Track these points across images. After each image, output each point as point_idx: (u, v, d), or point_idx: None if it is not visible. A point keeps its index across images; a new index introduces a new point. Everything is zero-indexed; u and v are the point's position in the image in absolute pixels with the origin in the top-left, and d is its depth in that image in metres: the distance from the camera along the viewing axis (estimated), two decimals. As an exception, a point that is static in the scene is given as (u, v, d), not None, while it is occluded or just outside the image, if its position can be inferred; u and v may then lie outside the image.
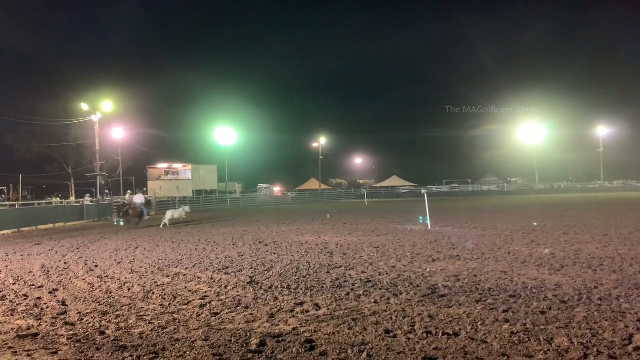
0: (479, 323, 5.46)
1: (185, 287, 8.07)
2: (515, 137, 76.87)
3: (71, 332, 5.60)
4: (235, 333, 5.37)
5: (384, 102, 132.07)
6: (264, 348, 4.86)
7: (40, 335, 5.52)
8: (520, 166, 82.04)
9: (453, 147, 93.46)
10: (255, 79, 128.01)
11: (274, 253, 12.07)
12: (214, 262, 10.88)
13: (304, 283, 8.11)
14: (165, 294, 7.55)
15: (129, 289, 8.05)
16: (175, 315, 6.26)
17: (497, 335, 5.02)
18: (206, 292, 7.67)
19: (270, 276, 8.87)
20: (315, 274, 8.92)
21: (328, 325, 5.58)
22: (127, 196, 35.16)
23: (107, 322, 5.99)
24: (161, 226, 22.87)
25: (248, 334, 5.31)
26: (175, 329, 5.64)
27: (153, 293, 7.68)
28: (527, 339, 4.87)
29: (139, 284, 8.45)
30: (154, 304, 6.96)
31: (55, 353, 4.88)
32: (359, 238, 15.03)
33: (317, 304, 6.59)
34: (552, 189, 67.81)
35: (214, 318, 6.10)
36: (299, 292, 7.42)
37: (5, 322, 6.16)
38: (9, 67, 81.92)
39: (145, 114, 66.59)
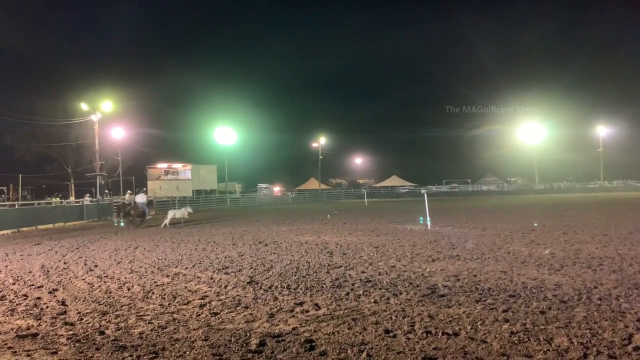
0: (479, 323, 5.46)
1: (185, 287, 8.07)
2: (515, 137, 76.93)
3: (71, 332, 5.59)
4: (235, 333, 5.37)
5: (383, 102, 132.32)
6: (263, 348, 4.86)
7: (39, 335, 5.52)
8: (520, 166, 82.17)
9: (453, 147, 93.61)
10: (255, 79, 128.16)
11: (274, 253, 12.07)
12: (214, 262, 10.88)
13: (303, 283, 8.11)
14: (164, 294, 7.55)
15: (128, 289, 8.05)
16: (175, 315, 6.26)
17: (497, 335, 5.02)
18: (206, 292, 7.67)
19: (270, 276, 8.87)
20: (315, 274, 8.92)
21: (328, 325, 5.58)
22: (127, 196, 35.13)
23: (107, 322, 5.99)
24: (162, 226, 22.85)
25: (248, 334, 5.31)
26: (175, 328, 5.64)
27: (153, 293, 7.68)
28: (526, 339, 4.87)
29: (138, 284, 8.45)
30: (153, 303, 6.96)
31: (55, 353, 4.88)
32: (358, 238, 15.03)
33: (316, 304, 6.59)
34: (552, 189, 67.85)
35: (213, 318, 6.10)
36: (298, 292, 7.42)
37: (4, 322, 6.16)
38: (8, 67, 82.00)
39: (145, 113, 66.62)
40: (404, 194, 67.03)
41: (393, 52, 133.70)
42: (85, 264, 11.07)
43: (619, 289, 6.91)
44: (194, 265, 10.40)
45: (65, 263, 11.37)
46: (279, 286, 7.91)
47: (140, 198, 25.42)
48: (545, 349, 4.59)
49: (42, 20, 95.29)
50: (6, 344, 5.20)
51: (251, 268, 9.84)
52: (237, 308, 6.56)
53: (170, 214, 24.34)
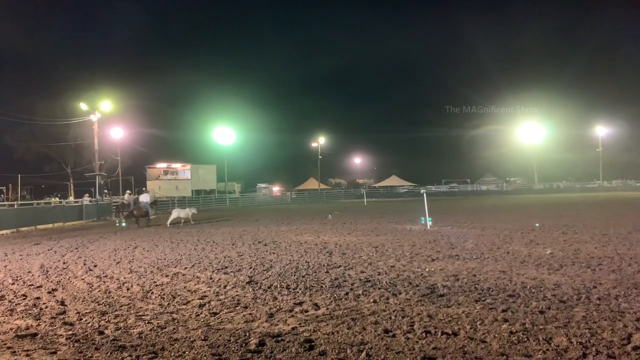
0: (478, 322, 5.46)
1: (184, 287, 8.07)
2: (514, 137, 77.01)
3: (70, 332, 5.59)
4: (234, 333, 5.37)
5: (383, 102, 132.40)
6: (263, 348, 4.86)
7: (39, 335, 5.52)
8: (519, 166, 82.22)
9: (452, 146, 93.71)
10: (255, 78, 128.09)
11: (273, 253, 12.07)
12: (213, 261, 10.88)
13: (303, 283, 8.11)
14: (164, 294, 7.55)
15: (128, 289, 8.05)
16: (174, 315, 6.25)
17: (496, 335, 5.03)
18: (205, 291, 7.67)
19: (269, 276, 8.87)
20: (314, 274, 8.92)
21: (327, 324, 5.58)
22: (126, 196, 35.10)
23: (106, 322, 5.98)
24: (167, 223, 23.21)
25: (247, 334, 5.31)
26: (174, 328, 5.64)
27: (152, 293, 7.67)
28: (526, 339, 4.87)
29: (138, 284, 8.44)
30: (153, 303, 6.96)
31: (54, 353, 4.88)
32: (358, 238, 15.04)
33: (316, 304, 6.59)
34: (551, 189, 67.96)
35: (213, 318, 6.09)
36: (298, 292, 7.42)
37: (4, 322, 6.16)
38: (8, 67, 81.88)
39: (144, 113, 66.64)
40: (404, 194, 67.08)
41: (393, 52, 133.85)
42: (84, 264, 11.06)
43: (618, 289, 6.91)
44: (193, 265, 10.40)
45: (64, 263, 11.36)
46: (278, 286, 7.91)
47: (144, 198, 25.49)
48: (544, 349, 4.59)
49: (42, 20, 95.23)
50: (5, 344, 5.20)
51: (250, 268, 9.84)
52: (237, 308, 6.56)
53: (175, 212, 24.45)
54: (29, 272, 10.19)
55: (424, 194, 19.25)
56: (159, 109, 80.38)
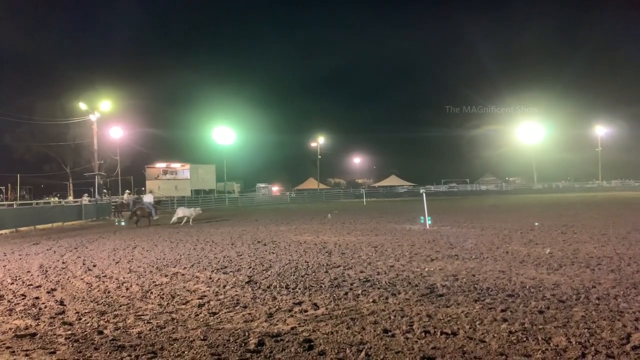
0: (477, 322, 5.46)
1: (184, 287, 8.07)
2: (513, 137, 77.05)
3: (69, 332, 5.59)
4: (234, 332, 5.37)
5: (382, 102, 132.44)
6: (262, 347, 4.86)
7: (38, 335, 5.51)
8: (518, 166, 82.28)
9: (451, 146, 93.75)
10: (255, 78, 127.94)
11: (273, 253, 12.07)
12: (213, 261, 10.88)
13: (302, 282, 8.11)
14: (163, 294, 7.55)
15: (127, 289, 8.04)
16: (174, 315, 6.25)
17: (495, 335, 5.03)
18: (204, 291, 7.67)
19: (269, 276, 8.87)
20: (313, 274, 8.92)
21: (326, 324, 5.58)
22: (125, 196, 35.07)
23: (105, 322, 5.98)
24: (171, 222, 23.61)
25: (246, 334, 5.31)
26: (173, 328, 5.64)
27: (151, 293, 7.67)
28: (525, 338, 4.87)
29: (137, 284, 8.44)
30: (152, 303, 6.96)
31: (53, 353, 4.87)
32: (357, 237, 15.04)
33: (315, 304, 6.59)
34: (551, 189, 67.99)
35: (212, 318, 6.09)
36: (297, 292, 7.42)
37: (3, 322, 6.15)
38: (7, 67, 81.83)
39: (143, 113, 66.62)
40: (403, 194, 67.10)
41: (393, 52, 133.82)
42: (83, 264, 11.06)
43: (617, 289, 6.92)
44: (192, 265, 10.40)
45: (63, 263, 11.36)
46: (277, 286, 7.91)
47: (148, 198, 25.61)
48: (543, 349, 4.59)
49: (41, 20, 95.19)
50: (4, 344, 5.20)
51: (250, 268, 9.84)
52: (236, 308, 6.56)
53: (180, 211, 24.55)
54: (28, 271, 10.18)
55: (423, 194, 19.25)
56: (159, 108, 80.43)
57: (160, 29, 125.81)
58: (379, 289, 7.43)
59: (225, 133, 63.95)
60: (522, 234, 14.51)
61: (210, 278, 8.81)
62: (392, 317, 5.79)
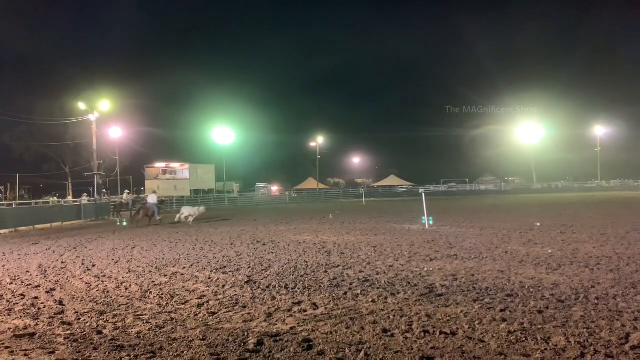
0: (477, 322, 5.47)
1: (183, 287, 8.06)
2: (513, 137, 77.07)
3: (68, 332, 5.58)
4: (233, 332, 5.37)
5: (382, 102, 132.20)
6: (261, 347, 4.86)
7: (37, 335, 5.51)
8: (517, 166, 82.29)
9: (451, 146, 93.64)
10: (254, 78, 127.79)
11: (272, 252, 12.07)
12: (212, 261, 10.87)
13: (301, 282, 8.11)
14: (162, 294, 7.55)
15: (126, 289, 8.04)
16: (173, 315, 6.25)
17: (495, 335, 5.03)
18: (204, 291, 7.67)
19: (268, 275, 8.87)
20: (312, 274, 8.92)
21: (326, 324, 5.58)
22: (125, 196, 35.05)
23: (105, 322, 5.98)
24: (175, 220, 24.21)
25: (245, 334, 5.31)
26: (172, 328, 5.64)
27: (150, 292, 7.67)
28: (524, 338, 4.88)
29: (136, 284, 8.44)
30: (151, 303, 6.95)
31: (53, 353, 4.87)
32: (356, 237, 15.04)
33: (314, 304, 6.59)
34: (550, 189, 68.02)
35: (211, 317, 6.09)
36: (296, 292, 7.42)
37: (2, 321, 6.15)
38: (7, 67, 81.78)
39: (143, 113, 66.69)
40: (402, 194, 67.10)
41: (393, 52, 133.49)
42: (82, 264, 11.05)
43: (617, 288, 6.92)
44: (191, 265, 10.39)
45: (62, 263, 11.35)
46: (276, 286, 7.91)
47: (152, 199, 25.69)
48: (542, 348, 4.60)
49: (41, 20, 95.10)
50: (3, 344, 5.19)
51: (249, 267, 9.84)
52: (235, 307, 6.56)
53: (185, 210, 24.64)
54: (27, 271, 10.17)
55: (423, 194, 19.25)
56: (158, 108, 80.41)
57: (160, 29, 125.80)
58: (378, 288, 7.43)
59: (225, 133, 63.91)
60: (521, 233, 14.52)
61: (209, 278, 8.81)
62: (391, 317, 5.79)
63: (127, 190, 45.39)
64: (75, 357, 4.73)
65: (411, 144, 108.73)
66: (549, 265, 9.06)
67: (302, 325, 5.56)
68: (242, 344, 4.96)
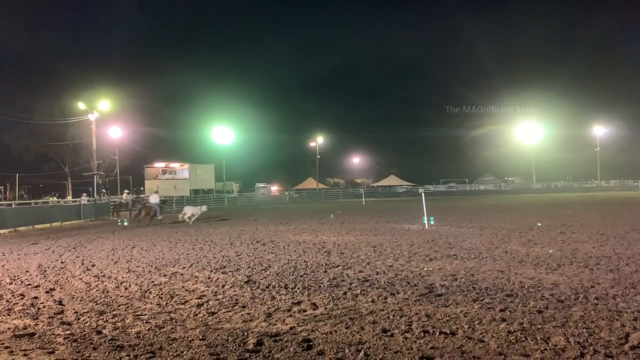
0: (476, 322, 5.47)
1: (183, 287, 8.06)
2: (512, 137, 77.09)
3: (68, 332, 5.58)
4: (233, 332, 5.36)
5: (381, 102, 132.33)
6: (261, 347, 4.86)
7: (36, 335, 5.51)
8: (517, 166, 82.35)
9: (450, 146, 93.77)
10: (254, 78, 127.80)
11: (272, 252, 12.07)
12: (211, 261, 10.87)
13: (301, 282, 8.11)
14: (162, 294, 7.54)
15: (125, 289, 8.04)
16: (172, 315, 6.25)
17: (494, 335, 5.03)
18: (203, 291, 7.66)
19: (268, 275, 8.87)
20: (312, 274, 8.92)
21: (325, 324, 5.58)
22: (124, 195, 35.03)
23: (104, 322, 5.97)
24: (179, 219, 24.57)
25: (245, 334, 5.31)
26: (172, 328, 5.63)
27: (150, 292, 7.66)
28: (524, 338, 4.88)
29: (136, 284, 8.43)
30: (151, 303, 6.95)
31: (52, 353, 4.87)
32: (356, 237, 15.04)
33: (314, 303, 6.59)
34: (549, 188, 68.07)
35: (211, 317, 6.09)
36: (296, 292, 7.42)
37: (1, 321, 6.14)
38: (7, 66, 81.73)
39: (142, 113, 66.65)
40: (402, 194, 67.13)
41: (393, 52, 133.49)
42: (82, 264, 11.05)
43: (616, 288, 6.93)
44: (191, 265, 10.39)
45: (62, 262, 11.34)
46: (276, 285, 7.91)
47: (154, 199, 25.85)
48: (542, 348, 4.60)
49: (40, 19, 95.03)
50: (3, 344, 5.19)
51: (249, 267, 9.83)
52: (235, 307, 6.56)
53: (189, 210, 24.65)
54: (27, 271, 10.17)
55: (422, 194, 19.25)
56: (158, 108, 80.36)
57: (160, 29, 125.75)
58: (377, 288, 7.43)
59: (224, 133, 63.89)
60: (520, 233, 14.52)
61: (209, 278, 8.80)
62: (391, 317, 5.79)
63: (126, 190, 45.34)
64: (74, 357, 4.73)
65: (411, 144, 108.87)
66: (549, 265, 9.06)
67: (301, 325, 5.56)
68: (242, 344, 4.96)
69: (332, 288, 7.58)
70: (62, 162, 63.26)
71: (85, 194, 39.12)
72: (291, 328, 5.48)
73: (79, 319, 6.18)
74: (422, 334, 5.13)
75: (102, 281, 8.79)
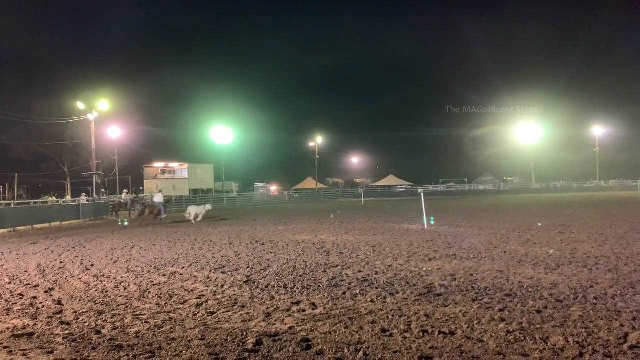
0: (475, 322, 5.47)
1: (182, 286, 8.06)
2: (512, 137, 77.14)
3: (67, 332, 5.58)
4: (232, 332, 5.36)
5: (381, 102, 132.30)
6: (260, 347, 4.86)
7: (35, 335, 5.50)
8: (516, 166, 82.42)
9: (449, 146, 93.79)
10: (253, 78, 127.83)
11: (271, 252, 12.07)
12: (211, 261, 10.87)
13: (300, 282, 8.11)
14: (161, 293, 7.54)
15: (125, 288, 8.03)
16: (172, 315, 6.25)
17: (493, 334, 5.03)
18: (202, 291, 7.66)
19: (267, 275, 8.87)
20: (311, 273, 8.92)
21: (324, 324, 5.58)
22: (124, 195, 35.01)
23: (103, 322, 5.97)
24: (186, 218, 24.73)
25: (244, 333, 5.30)
26: (171, 328, 5.63)
27: (149, 292, 7.66)
28: (523, 338, 4.88)
29: (135, 283, 8.43)
30: (150, 303, 6.95)
31: (51, 352, 4.86)
32: (355, 237, 15.04)
33: (313, 303, 6.59)
34: (549, 188, 68.11)
35: (210, 317, 6.09)
36: (295, 291, 7.42)
37: (0, 321, 6.14)
38: (6, 66, 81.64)
39: (141, 112, 66.52)
40: (401, 194, 67.16)
41: (392, 52, 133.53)
42: (81, 263, 11.04)
43: (615, 288, 6.93)
44: (190, 265, 10.39)
45: (61, 262, 11.34)
46: (275, 285, 7.91)
47: (158, 198, 26.03)
48: (541, 348, 4.60)
49: (39, 19, 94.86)
50: (2, 344, 5.18)
51: (248, 267, 9.83)
52: (234, 307, 6.56)
53: (193, 210, 24.68)
54: (26, 271, 10.16)
55: (422, 194, 19.26)
56: (157, 108, 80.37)
57: (160, 29, 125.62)
58: (377, 288, 7.43)
59: (224, 132, 63.87)
60: (520, 233, 14.53)
61: (208, 277, 8.80)
62: (390, 317, 5.79)
63: (125, 190, 45.29)
64: (73, 357, 4.72)
65: (410, 144, 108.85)
66: (548, 265, 9.07)
67: (300, 325, 5.56)
68: (241, 344, 4.96)
69: (331, 288, 7.58)
70: (61, 161, 63.19)
71: (84, 194, 39.09)
72: (290, 328, 5.48)
73: (78, 318, 6.17)
74: (421, 333, 5.13)
75: (101, 281, 8.78)
